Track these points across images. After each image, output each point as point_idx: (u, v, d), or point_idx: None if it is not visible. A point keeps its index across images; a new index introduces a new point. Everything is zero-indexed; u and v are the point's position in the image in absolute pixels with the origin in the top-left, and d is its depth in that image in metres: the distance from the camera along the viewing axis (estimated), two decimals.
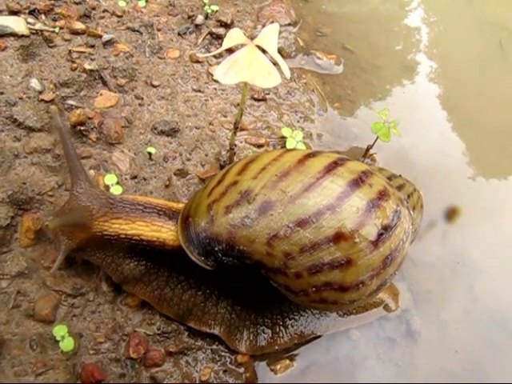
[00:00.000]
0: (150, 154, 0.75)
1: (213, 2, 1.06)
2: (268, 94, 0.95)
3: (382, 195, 0.53)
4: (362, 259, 0.50)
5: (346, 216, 0.49)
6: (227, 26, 1.01)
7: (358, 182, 0.52)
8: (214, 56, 0.98)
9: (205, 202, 0.53)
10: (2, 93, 0.70)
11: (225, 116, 0.88)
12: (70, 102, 0.77)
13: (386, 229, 0.52)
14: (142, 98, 0.84)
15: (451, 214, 0.83)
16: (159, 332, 0.60)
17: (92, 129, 0.75)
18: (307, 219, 0.48)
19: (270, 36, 0.59)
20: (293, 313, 0.64)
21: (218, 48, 0.99)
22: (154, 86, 0.87)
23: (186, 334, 0.61)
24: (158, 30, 0.98)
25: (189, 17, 1.02)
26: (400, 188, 0.64)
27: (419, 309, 0.72)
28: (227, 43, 0.59)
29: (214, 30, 0.99)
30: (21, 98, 0.73)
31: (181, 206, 0.61)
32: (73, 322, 0.57)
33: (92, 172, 0.71)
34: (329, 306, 0.54)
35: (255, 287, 0.60)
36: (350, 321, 0.68)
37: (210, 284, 0.60)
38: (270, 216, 0.49)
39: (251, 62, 0.56)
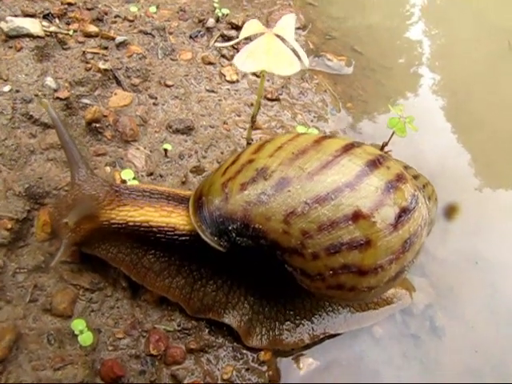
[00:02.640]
0: (165, 150, 0.74)
1: (223, 6, 1.08)
2: (281, 94, 0.95)
3: (400, 178, 0.52)
4: (381, 240, 0.48)
5: (365, 194, 0.48)
6: (238, 28, 1.02)
7: (375, 163, 0.51)
8: (227, 58, 0.99)
9: (219, 181, 0.52)
10: (17, 91, 0.71)
11: (239, 115, 0.87)
12: (85, 100, 0.77)
13: (404, 211, 0.50)
14: (156, 98, 0.84)
15: (451, 211, 0.82)
16: (179, 328, 0.58)
17: (107, 126, 0.75)
18: (326, 196, 0.47)
19: (287, 25, 0.60)
20: (311, 307, 0.62)
21: (229, 49, 1.00)
22: (168, 86, 0.87)
23: (207, 330, 0.58)
24: (170, 33, 0.99)
25: (200, 21, 1.04)
26: (415, 178, 0.63)
27: (442, 305, 0.69)
28: (244, 33, 0.59)
29: (225, 32, 1.01)
30: (36, 95, 0.73)
31: (188, 192, 0.59)
32: (91, 318, 0.55)
33: (108, 169, 0.71)
34: (345, 294, 0.52)
35: (269, 277, 0.58)
36: (370, 317, 0.65)
37: (223, 274, 0.58)
38: (287, 192, 0.47)
39: (270, 50, 0.56)
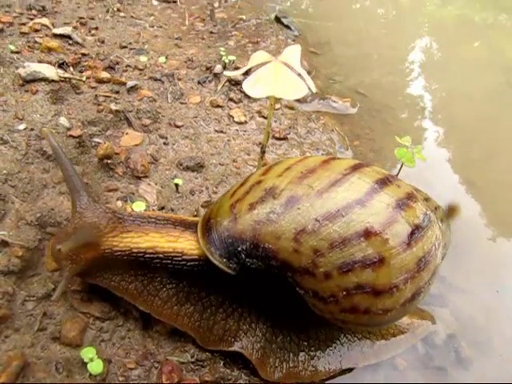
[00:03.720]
0: (176, 185, 0.75)
1: (229, 53, 1.13)
2: (289, 133, 0.97)
3: (411, 196, 0.52)
4: (395, 258, 0.47)
5: (375, 211, 0.47)
6: (245, 72, 1.06)
7: (385, 181, 0.51)
8: (234, 101, 1.02)
9: (227, 203, 0.52)
10: (32, 129, 0.73)
11: (248, 154, 0.89)
12: (97, 139, 0.79)
13: (417, 228, 0.49)
14: (167, 138, 0.86)
15: (451, 212, 0.80)
16: (193, 360, 0.55)
17: (118, 163, 0.76)
18: (336, 213, 0.47)
19: (292, 54, 0.62)
20: (325, 338, 0.60)
21: (237, 93, 1.03)
22: (178, 127, 0.89)
23: (222, 362, 0.56)
24: (179, 79, 1.03)
25: (207, 68, 1.08)
26: (426, 200, 0.62)
27: (465, 335, 0.66)
28: (252, 62, 0.61)
29: (232, 76, 1.04)
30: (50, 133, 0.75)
31: (196, 218, 0.59)
32: (101, 347, 0.53)
33: (119, 203, 0.71)
34: (360, 318, 0.50)
35: (281, 304, 0.56)
36: (388, 349, 0.62)
37: (233, 301, 0.56)
38: (296, 210, 0.47)
39: (277, 76, 0.58)
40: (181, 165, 0.81)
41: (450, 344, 0.65)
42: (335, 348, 0.60)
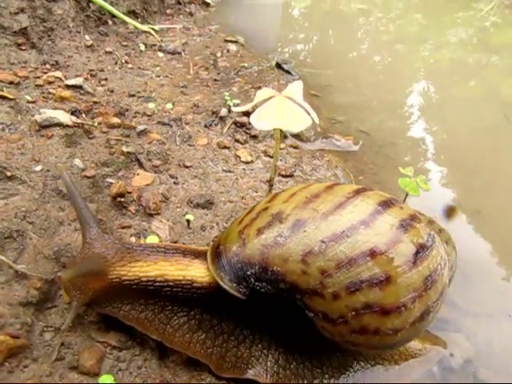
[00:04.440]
0: (188, 221, 0.77)
1: (233, 98, 1.18)
2: (294, 171, 1.00)
3: (414, 218, 0.53)
4: (401, 277, 0.48)
5: (379, 232, 0.49)
6: (249, 114, 1.10)
7: (388, 204, 0.53)
8: (241, 142, 1.06)
9: (236, 229, 0.54)
10: (48, 170, 0.77)
11: (256, 191, 0.91)
12: (110, 180, 0.82)
13: (422, 247, 0.51)
14: (177, 178, 0.89)
15: (450, 213, 0.80)
16: None
17: (131, 202, 0.79)
18: (341, 234, 0.48)
19: (295, 89, 0.66)
20: (338, 365, 0.59)
21: (242, 134, 1.07)
22: (187, 167, 0.93)
23: None
24: (186, 123, 1.08)
25: (213, 112, 1.13)
26: (429, 223, 0.64)
27: (482, 359, 0.66)
28: (258, 98, 0.65)
29: (237, 119, 1.09)
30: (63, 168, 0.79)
31: (205, 248, 0.60)
32: (118, 376, 0.54)
33: (133, 239, 0.73)
34: (370, 339, 0.50)
35: (292, 329, 0.57)
36: (403, 374, 0.62)
37: (244, 327, 0.56)
38: (303, 233, 0.49)
39: (282, 110, 0.62)
40: (191, 202, 0.83)
41: (467, 368, 0.64)
42: (349, 375, 0.60)
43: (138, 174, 0.86)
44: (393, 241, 0.49)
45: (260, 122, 0.60)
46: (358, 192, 0.53)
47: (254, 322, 0.56)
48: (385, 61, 1.69)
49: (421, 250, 0.51)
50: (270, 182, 0.72)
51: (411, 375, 0.61)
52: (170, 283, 0.54)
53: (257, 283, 0.51)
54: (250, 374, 0.55)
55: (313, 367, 0.58)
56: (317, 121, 0.63)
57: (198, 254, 0.57)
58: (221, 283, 0.52)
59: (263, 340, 0.57)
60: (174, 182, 0.88)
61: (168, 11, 1.78)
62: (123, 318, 0.56)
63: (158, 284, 0.54)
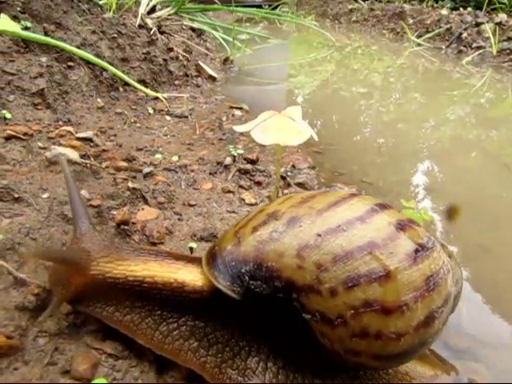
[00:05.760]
0: (191, 249, 0.77)
1: (237, 148, 1.22)
2: None
3: (412, 221, 0.53)
4: (401, 273, 0.47)
5: (377, 227, 0.49)
6: (254, 162, 1.13)
7: (385, 206, 0.53)
8: (245, 188, 1.07)
9: (231, 231, 0.53)
10: (55, 198, 0.78)
11: None
12: (114, 212, 0.83)
13: (422, 247, 0.50)
14: (181, 214, 0.90)
15: (452, 213, 0.77)
16: None
17: (135, 231, 0.79)
18: (337, 228, 0.48)
19: (294, 111, 0.69)
20: (348, 379, 0.56)
21: (246, 181, 1.09)
22: (191, 206, 0.94)
23: None
24: (192, 171, 1.10)
25: (218, 163, 1.16)
26: None
27: None
28: (259, 119, 0.68)
29: (241, 166, 1.11)
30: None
31: (199, 256, 0.58)
32: None
33: None
34: (372, 345, 0.48)
35: (290, 343, 0.54)
36: None
37: (240, 338, 0.53)
38: (298, 228, 0.48)
39: (281, 127, 0.65)
40: (195, 235, 0.83)
41: None
42: None
43: (142, 209, 0.87)
44: (391, 237, 0.49)
45: (261, 136, 0.63)
46: (354, 195, 0.53)
47: (250, 333, 0.54)
48: (388, 142, 1.75)
49: (420, 249, 0.50)
50: (271, 199, 0.72)
51: None
52: (160, 285, 0.52)
53: (251, 282, 0.49)
54: None
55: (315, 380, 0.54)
56: (315, 137, 0.65)
57: (192, 260, 0.56)
58: (214, 282, 0.50)
59: (261, 353, 0.53)
60: (179, 219, 0.89)
61: (176, 82, 1.89)
62: (107, 320, 0.53)
63: (145, 285, 0.52)
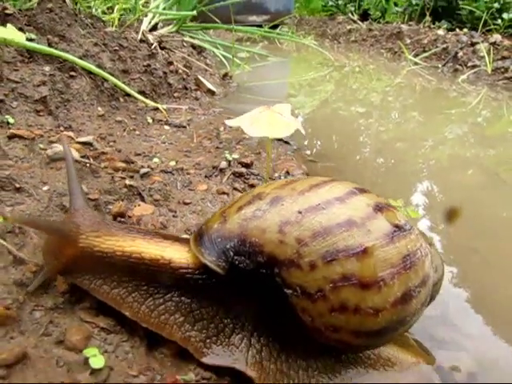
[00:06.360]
0: None
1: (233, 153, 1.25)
2: None
3: (390, 206, 0.56)
4: (377, 250, 0.49)
5: (356, 207, 0.51)
6: (248, 166, 1.17)
7: (364, 190, 0.55)
8: (239, 191, 1.10)
9: (218, 212, 0.56)
10: (54, 190, 0.80)
11: None
12: (111, 207, 0.86)
13: (399, 228, 0.52)
14: (176, 212, 0.92)
15: (451, 215, 0.79)
16: (197, 378, 0.53)
17: (131, 224, 0.82)
18: (317, 206, 0.50)
19: (283, 107, 0.72)
20: (325, 368, 0.57)
21: (241, 183, 1.12)
22: (186, 204, 0.96)
23: (228, 382, 0.54)
24: (188, 173, 1.13)
25: (213, 167, 1.20)
26: None
27: (489, 374, 0.63)
28: (250, 114, 0.71)
29: (236, 169, 1.15)
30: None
31: (188, 236, 0.61)
32: (103, 357, 0.52)
33: None
34: (351, 320, 0.49)
35: (274, 324, 0.56)
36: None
37: (225, 315, 0.55)
38: (280, 206, 0.51)
39: (270, 121, 0.68)
40: (189, 230, 0.85)
41: (472, 380, 0.62)
42: (337, 380, 0.57)
43: (139, 205, 0.90)
44: (368, 217, 0.51)
45: (251, 128, 0.66)
46: (334, 180, 0.56)
47: (234, 311, 0.56)
48: (388, 162, 1.76)
49: (398, 230, 0.52)
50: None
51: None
52: (147, 261, 0.54)
53: (236, 257, 0.51)
54: (231, 361, 0.53)
55: (299, 368, 0.56)
56: (302, 131, 0.68)
57: (180, 240, 0.58)
58: (201, 258, 0.53)
59: (245, 330, 0.55)
60: (173, 215, 0.91)
61: (175, 94, 1.94)
62: (94, 292, 0.55)
63: (133, 260, 0.54)
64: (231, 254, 0.52)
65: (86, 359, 0.49)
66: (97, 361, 0.49)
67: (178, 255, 0.55)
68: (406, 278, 0.51)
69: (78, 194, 0.61)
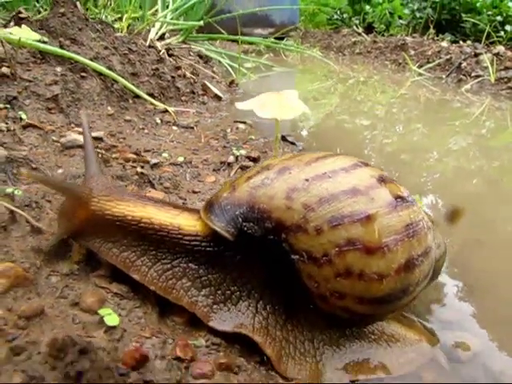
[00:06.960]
0: None
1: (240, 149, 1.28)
2: None
3: (393, 180, 0.57)
4: (381, 217, 0.51)
5: (360, 178, 0.53)
6: (255, 160, 1.19)
7: (368, 164, 0.57)
8: None
9: (228, 183, 0.58)
10: (69, 173, 0.83)
11: None
12: None
13: (402, 198, 0.54)
14: (185, 199, 0.94)
15: (454, 216, 0.80)
16: (208, 344, 0.54)
17: None
18: (323, 175, 0.52)
19: (291, 92, 0.75)
20: (330, 341, 0.58)
21: None
22: (195, 193, 0.99)
23: (238, 348, 0.55)
24: (196, 166, 1.16)
25: (221, 162, 1.22)
26: None
27: (494, 353, 0.64)
28: (260, 97, 0.74)
29: (244, 163, 1.17)
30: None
31: (198, 207, 0.62)
32: None
33: None
34: (356, 286, 0.51)
35: (282, 294, 0.58)
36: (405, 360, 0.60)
37: (231, 283, 0.57)
38: (288, 174, 0.53)
39: (279, 103, 0.71)
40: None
41: (477, 359, 0.62)
42: (340, 353, 0.58)
43: (149, 192, 0.92)
44: (372, 186, 0.53)
45: (261, 110, 0.69)
46: (340, 154, 0.58)
47: (242, 279, 0.57)
48: (393, 176, 1.76)
49: (400, 200, 0.54)
50: (275, 154, 0.78)
51: (412, 364, 0.59)
52: (156, 226, 0.55)
53: (244, 223, 0.53)
54: (237, 327, 0.54)
55: (305, 339, 0.58)
56: (308, 111, 0.71)
57: (189, 210, 0.60)
58: (210, 224, 0.54)
59: (251, 298, 0.57)
60: (183, 203, 0.93)
61: (183, 98, 1.98)
62: (104, 255, 0.57)
63: (142, 225, 0.56)
64: (240, 220, 0.54)
65: (101, 319, 0.51)
66: (111, 319, 0.50)
67: (187, 223, 0.57)
68: (409, 246, 0.53)
69: (94, 162, 0.63)
